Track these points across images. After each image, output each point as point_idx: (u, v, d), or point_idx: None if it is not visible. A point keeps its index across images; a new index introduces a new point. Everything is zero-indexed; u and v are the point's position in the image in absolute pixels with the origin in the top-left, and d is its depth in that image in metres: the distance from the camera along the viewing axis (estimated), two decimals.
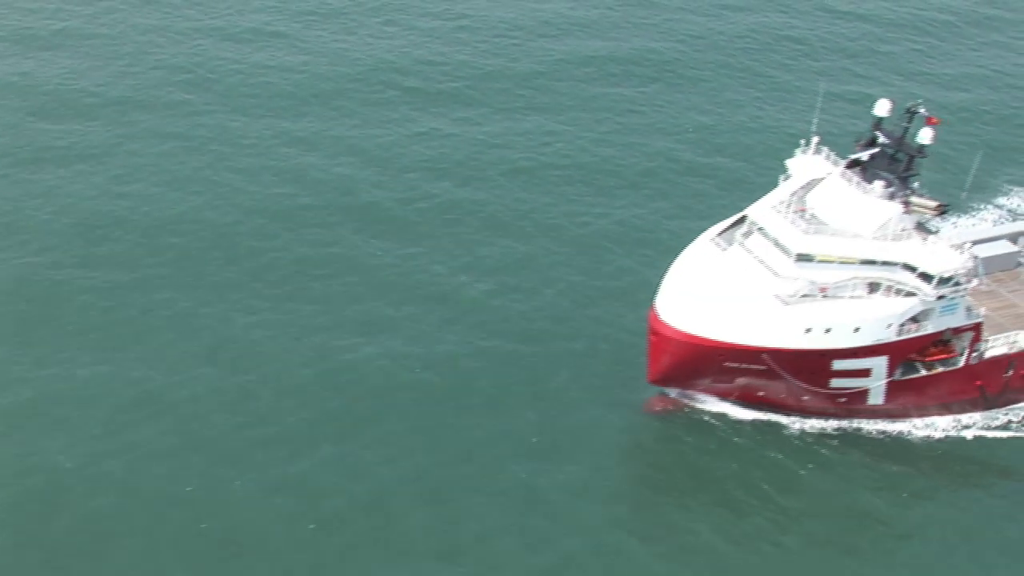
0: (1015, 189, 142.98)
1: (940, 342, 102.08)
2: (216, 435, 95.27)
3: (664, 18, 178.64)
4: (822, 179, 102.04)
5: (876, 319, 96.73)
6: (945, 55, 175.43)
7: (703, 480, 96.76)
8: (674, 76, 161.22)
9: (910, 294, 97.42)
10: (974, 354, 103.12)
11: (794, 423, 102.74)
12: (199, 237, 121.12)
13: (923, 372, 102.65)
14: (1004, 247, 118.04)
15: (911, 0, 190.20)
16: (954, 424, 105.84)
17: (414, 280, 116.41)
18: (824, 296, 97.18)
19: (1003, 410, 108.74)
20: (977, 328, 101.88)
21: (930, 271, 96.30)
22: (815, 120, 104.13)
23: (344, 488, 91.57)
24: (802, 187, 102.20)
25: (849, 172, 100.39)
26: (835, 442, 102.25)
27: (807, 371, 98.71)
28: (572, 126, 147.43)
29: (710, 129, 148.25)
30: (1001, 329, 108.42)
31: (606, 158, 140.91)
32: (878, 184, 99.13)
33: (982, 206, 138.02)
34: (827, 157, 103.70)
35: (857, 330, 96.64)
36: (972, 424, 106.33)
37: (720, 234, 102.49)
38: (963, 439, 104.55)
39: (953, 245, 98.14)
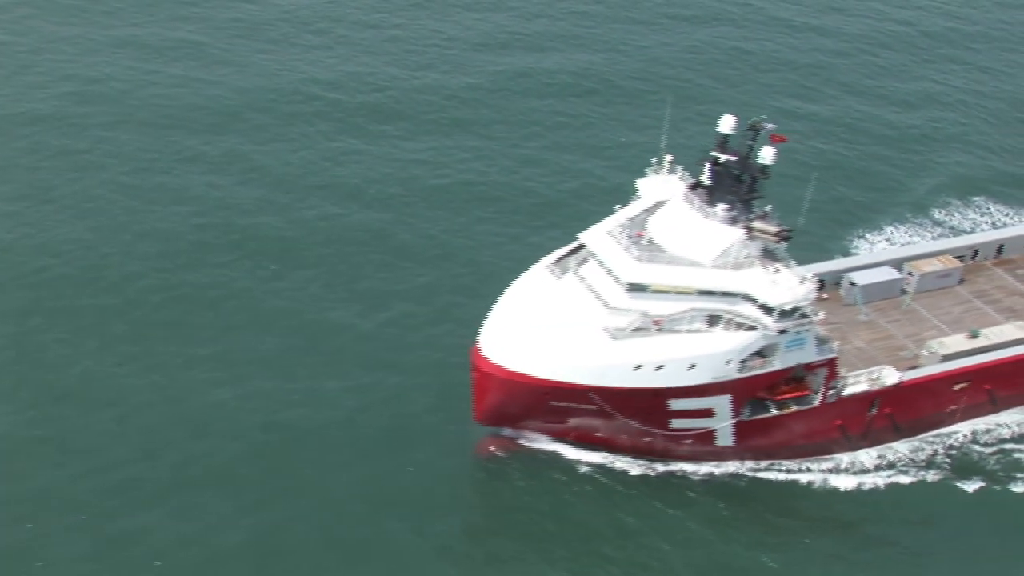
0: (954, 203, 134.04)
1: (792, 379, 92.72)
2: (53, 483, 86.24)
3: (602, 32, 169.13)
4: (667, 202, 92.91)
5: (713, 355, 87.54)
6: (898, 71, 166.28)
7: (533, 532, 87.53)
8: (611, 92, 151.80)
9: (752, 328, 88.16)
10: (831, 392, 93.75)
11: (640, 467, 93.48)
12: (68, 261, 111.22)
13: (775, 412, 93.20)
14: (886, 274, 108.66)
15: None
16: (810, 467, 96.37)
17: (283, 308, 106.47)
18: (659, 330, 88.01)
19: (869, 451, 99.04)
20: (831, 364, 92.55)
21: (770, 303, 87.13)
22: (664, 137, 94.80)
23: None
24: (646, 210, 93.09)
25: (691, 194, 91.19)
26: (688, 489, 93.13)
27: (642, 411, 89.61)
28: (497, 143, 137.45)
29: (641, 147, 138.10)
30: (874, 363, 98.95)
31: (529, 177, 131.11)
32: (720, 208, 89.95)
33: (920, 221, 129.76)
34: (682, 177, 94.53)
35: (692, 367, 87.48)
36: (831, 468, 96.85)
37: (557, 261, 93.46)
38: (818, 484, 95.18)
39: (797, 275, 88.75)
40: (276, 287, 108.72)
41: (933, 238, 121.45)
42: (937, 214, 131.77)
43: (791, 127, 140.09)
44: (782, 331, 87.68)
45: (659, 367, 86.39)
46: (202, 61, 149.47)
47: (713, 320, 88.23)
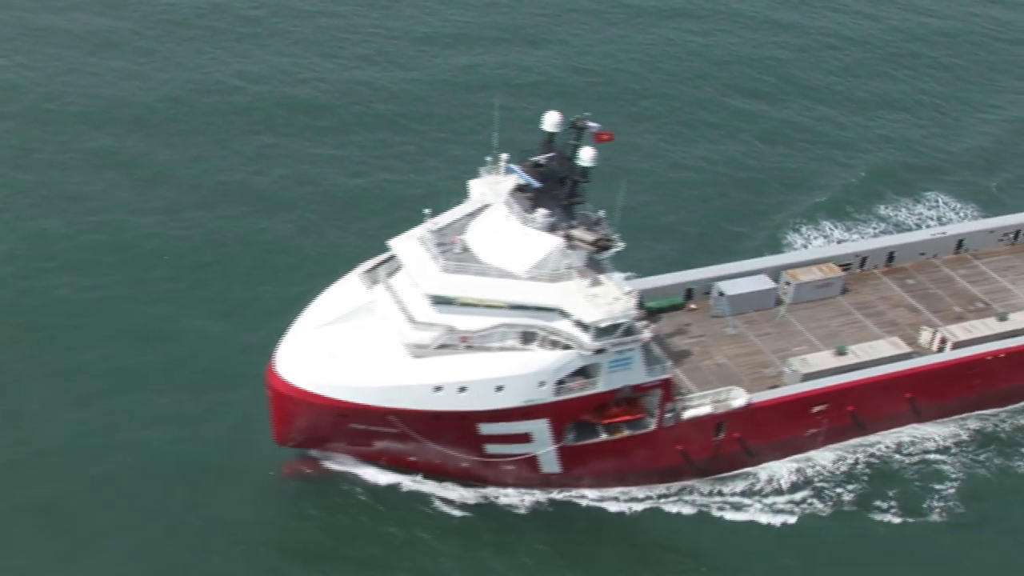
0: (902, 199, 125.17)
1: (624, 401, 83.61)
2: None
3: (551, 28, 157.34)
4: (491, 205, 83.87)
5: (523, 376, 78.49)
6: (845, 66, 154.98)
7: (330, 562, 79.18)
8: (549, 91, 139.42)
9: (569, 346, 79.10)
10: (667, 415, 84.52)
11: (459, 494, 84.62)
12: None
13: (604, 437, 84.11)
14: (759, 283, 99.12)
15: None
16: (637, 495, 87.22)
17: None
18: (467, 347, 79.03)
19: (719, 477, 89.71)
20: (666, 385, 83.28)
21: (584, 319, 77.97)
22: (495, 135, 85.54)
23: None
24: (469, 214, 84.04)
25: (513, 198, 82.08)
26: (509, 520, 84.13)
27: (450, 436, 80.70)
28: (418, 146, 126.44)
29: None
30: (734, 381, 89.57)
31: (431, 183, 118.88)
32: (540, 213, 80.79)
33: (864, 217, 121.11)
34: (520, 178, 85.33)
35: (500, 389, 78.45)
36: (670, 494, 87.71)
37: (370, 270, 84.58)
38: (647, 512, 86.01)
39: (619, 289, 79.54)
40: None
41: (823, 243, 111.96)
42: (883, 209, 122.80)
43: (736, 124, 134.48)
44: (599, 351, 78.38)
45: (462, 389, 77.47)
46: (120, 59, 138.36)
47: (528, 337, 79.21)
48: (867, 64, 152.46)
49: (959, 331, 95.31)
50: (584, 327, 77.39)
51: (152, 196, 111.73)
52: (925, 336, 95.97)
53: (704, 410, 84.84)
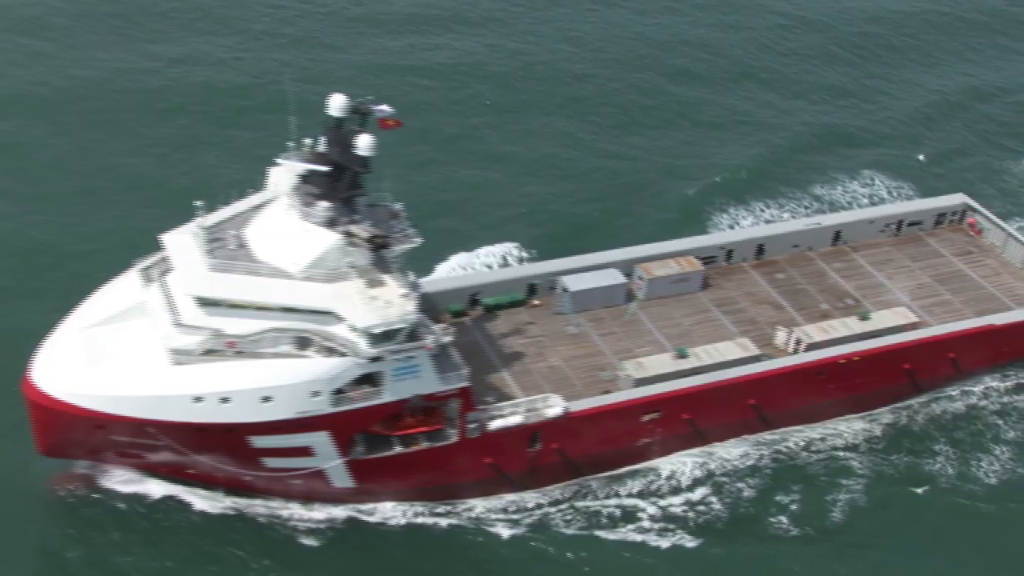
0: (839, 177, 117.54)
1: (421, 411, 75.54)
2: None
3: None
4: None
5: (293, 386, 70.38)
6: (790, 51, 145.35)
7: None
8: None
9: (346, 353, 71.04)
10: (471, 426, 76.34)
11: (249, 507, 76.73)
12: None
13: (399, 449, 76.07)
14: (607, 278, 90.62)
15: None
16: (459, 510, 79.26)
17: None
18: (235, 353, 70.97)
19: (536, 492, 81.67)
20: (464, 394, 75.04)
21: (358, 324, 69.84)
22: (292, 119, 76.96)
23: None
24: (256, 206, 75.86)
25: (297, 189, 73.84)
26: (294, 533, 76.81)
27: (219, 449, 72.83)
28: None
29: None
30: (567, 385, 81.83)
31: None
32: (321, 207, 72.54)
33: (796, 196, 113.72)
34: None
35: (268, 400, 70.40)
36: (488, 509, 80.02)
37: (146, 267, 76.57)
38: (460, 528, 78.14)
39: (399, 291, 71.29)
40: None
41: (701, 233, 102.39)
42: (818, 189, 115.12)
43: (671, 108, 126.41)
44: (376, 358, 70.23)
45: (225, 400, 69.42)
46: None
47: (303, 343, 71.03)
48: (802, 46, 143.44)
49: (815, 332, 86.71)
50: (360, 332, 69.02)
51: None
52: (781, 337, 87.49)
53: (514, 420, 76.61)
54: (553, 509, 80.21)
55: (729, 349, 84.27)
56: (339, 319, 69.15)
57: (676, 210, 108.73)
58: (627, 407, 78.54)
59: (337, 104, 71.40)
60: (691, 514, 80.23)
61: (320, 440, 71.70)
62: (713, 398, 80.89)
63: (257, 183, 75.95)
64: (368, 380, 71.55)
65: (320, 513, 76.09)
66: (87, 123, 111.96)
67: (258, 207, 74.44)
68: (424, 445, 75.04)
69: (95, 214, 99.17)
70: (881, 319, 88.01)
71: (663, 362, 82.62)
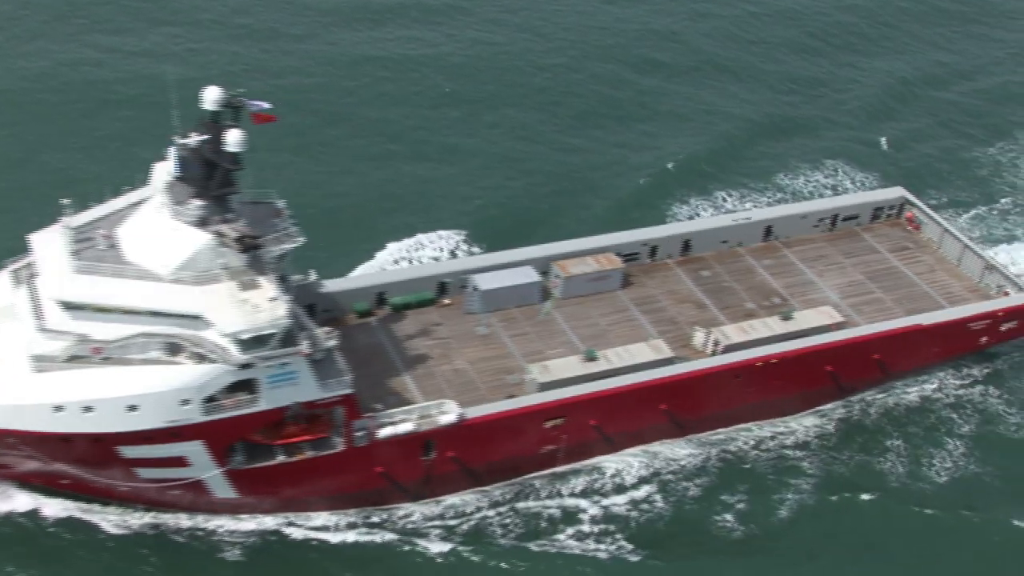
0: (801, 166, 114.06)
1: (305, 419, 71.73)
2: None
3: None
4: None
5: (160, 394, 66.55)
6: (753, 37, 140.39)
7: None
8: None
9: (217, 359, 67.24)
10: (358, 434, 72.52)
11: (119, 520, 73.08)
12: None
13: (282, 459, 72.30)
14: (521, 276, 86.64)
15: None
16: (326, 524, 75.56)
17: None
18: (102, 359, 67.22)
19: (475, 494, 79.37)
20: (348, 402, 71.22)
21: (226, 328, 66.00)
22: (175, 111, 72.75)
23: None
24: (132, 205, 72.08)
25: (170, 186, 69.97)
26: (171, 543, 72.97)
27: (88, 460, 69.16)
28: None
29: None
30: (471, 389, 78.66)
31: None
32: (193, 205, 68.67)
33: (759, 186, 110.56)
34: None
35: (134, 408, 66.61)
36: (368, 522, 76.05)
37: (17, 268, 72.82)
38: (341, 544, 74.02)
39: (270, 294, 67.39)
40: None
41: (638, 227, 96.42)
42: (782, 178, 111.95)
43: (637, 101, 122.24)
44: (246, 364, 66.41)
45: (88, 409, 65.65)
46: None
47: (175, 348, 67.19)
48: (766, 35, 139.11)
49: (733, 332, 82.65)
50: (229, 338, 65.21)
51: None
52: (699, 338, 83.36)
53: (405, 428, 72.74)
54: (492, 513, 77.33)
55: (641, 351, 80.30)
56: (208, 324, 65.09)
57: (633, 202, 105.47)
58: (527, 413, 74.63)
59: (211, 97, 67.40)
60: (634, 513, 77.62)
61: (194, 450, 67.98)
62: (621, 403, 76.98)
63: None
64: (243, 387, 67.59)
65: (246, 524, 72.14)
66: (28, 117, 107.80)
67: (135, 205, 70.21)
68: (309, 454, 71.00)
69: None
70: (804, 319, 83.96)
71: (570, 365, 78.69)
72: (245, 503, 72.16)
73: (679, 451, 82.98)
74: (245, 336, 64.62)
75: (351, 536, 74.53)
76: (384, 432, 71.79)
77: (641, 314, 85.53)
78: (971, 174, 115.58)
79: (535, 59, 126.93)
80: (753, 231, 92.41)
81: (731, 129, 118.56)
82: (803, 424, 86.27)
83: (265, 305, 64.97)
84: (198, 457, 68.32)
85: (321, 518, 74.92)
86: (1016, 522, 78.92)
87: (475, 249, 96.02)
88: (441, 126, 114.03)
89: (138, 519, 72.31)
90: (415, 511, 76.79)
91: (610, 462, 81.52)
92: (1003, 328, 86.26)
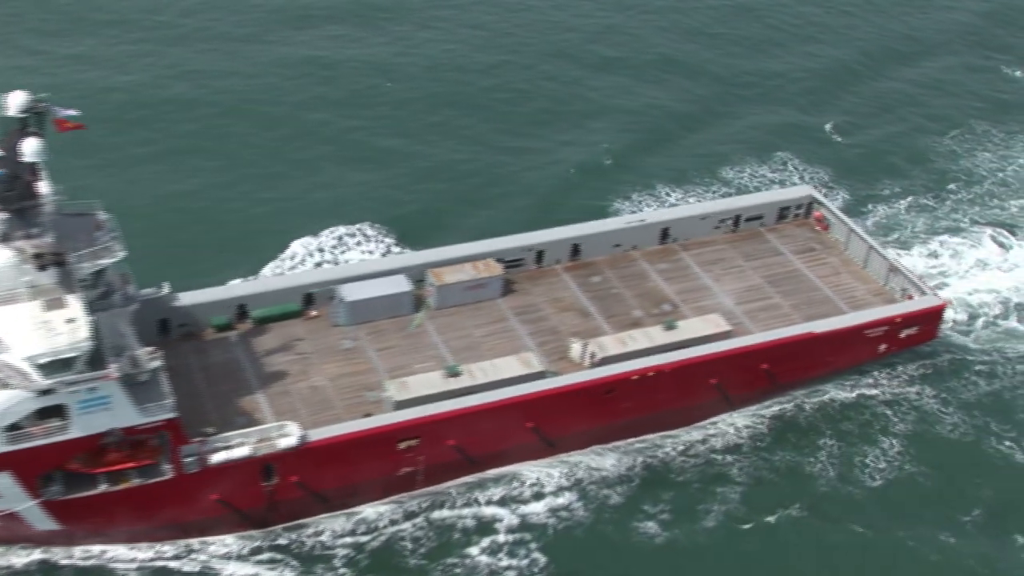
0: (747, 159, 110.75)
1: (130, 445, 66.92)
2: None
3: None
4: None
5: None
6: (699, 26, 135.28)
7: None
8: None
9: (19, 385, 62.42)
10: (187, 460, 67.67)
11: None
12: None
13: (104, 487, 67.53)
14: (390, 285, 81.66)
15: None
16: (228, 551, 70.90)
17: None
18: None
19: (390, 505, 75.32)
20: (172, 426, 66.36)
21: (23, 352, 61.25)
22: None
23: None
24: None
25: None
26: None
27: None
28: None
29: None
30: (326, 407, 73.96)
31: None
32: None
33: (705, 181, 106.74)
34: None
35: None
36: (274, 545, 72.38)
37: None
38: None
39: (72, 314, 62.51)
40: None
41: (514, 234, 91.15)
42: (727, 172, 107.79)
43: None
44: (48, 390, 61.60)
45: None
46: None
47: None
48: (713, 29, 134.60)
49: (611, 344, 77.47)
50: (28, 362, 60.43)
51: None
52: (575, 350, 78.18)
53: (241, 452, 67.76)
54: (406, 525, 73.97)
55: (509, 365, 75.25)
56: (6, 347, 60.27)
57: (568, 199, 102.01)
58: (376, 434, 69.50)
59: (15, 103, 62.47)
60: (552, 521, 74.36)
61: (3, 482, 62.97)
62: (483, 422, 71.77)
63: None
64: (54, 413, 62.67)
65: (143, 553, 70.36)
66: None
67: None
68: (136, 482, 66.15)
69: None
70: (689, 328, 78.78)
71: (431, 381, 73.67)
72: (74, 535, 67.29)
73: (604, 459, 78.87)
74: (44, 360, 59.84)
75: (248, 567, 70.08)
76: (217, 457, 66.64)
77: (520, 324, 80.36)
78: (924, 164, 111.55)
79: (473, 59, 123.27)
80: (649, 233, 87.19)
81: (675, 123, 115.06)
82: (736, 424, 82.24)
83: (63, 327, 59.90)
84: (7, 488, 63.67)
85: (222, 543, 71.27)
86: (948, 538, 75.11)
87: (368, 252, 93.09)
88: (376, 127, 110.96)
89: (24, 556, 67.39)
90: (326, 527, 73.27)
91: (531, 470, 77.27)
92: (903, 335, 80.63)
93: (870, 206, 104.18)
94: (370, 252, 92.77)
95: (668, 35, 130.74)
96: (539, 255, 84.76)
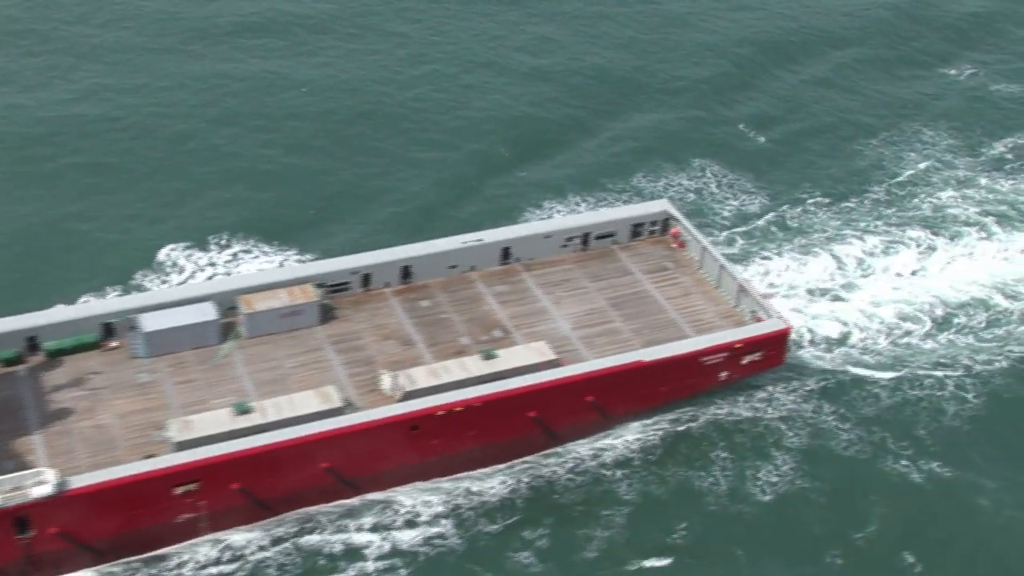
0: (667, 166, 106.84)
1: None
2: None
3: None
4: None
5: None
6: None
7: None
8: None
9: None
10: None
11: None
12: None
13: None
14: (194, 314, 75.88)
15: None
16: None
17: None
18: None
19: (260, 532, 70.80)
20: None
21: None
22: None
23: None
24: None
25: None
26: None
27: None
28: None
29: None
30: (106, 449, 68.72)
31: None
32: None
33: (620, 187, 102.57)
34: None
35: None
36: (197, 565, 68.84)
37: None
38: None
39: None
40: None
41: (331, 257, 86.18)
42: (638, 180, 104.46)
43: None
44: None
45: None
46: None
47: None
48: (633, 31, 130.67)
49: (421, 376, 71.66)
50: None
51: None
52: (386, 382, 72.31)
53: None
54: (274, 551, 70.60)
55: (306, 401, 69.36)
56: None
57: (486, 206, 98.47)
58: (148, 479, 63.53)
59: None
60: (425, 549, 70.54)
61: None
62: (272, 463, 65.86)
63: None
64: None
65: None
66: None
67: None
68: None
69: None
70: (510, 358, 72.74)
71: (217, 420, 67.94)
72: None
73: (486, 482, 74.91)
74: None
75: None
76: None
77: (335, 354, 74.56)
78: (849, 167, 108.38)
79: (362, 77, 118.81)
80: (488, 254, 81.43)
81: (580, 132, 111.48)
82: (628, 436, 78.62)
83: None
84: None
85: None
86: (836, 557, 71.97)
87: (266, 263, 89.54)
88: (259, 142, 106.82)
89: None
90: (189, 558, 69.23)
91: (408, 495, 73.59)
92: (745, 361, 74.61)
93: (786, 208, 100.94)
94: (268, 263, 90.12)
95: (586, 45, 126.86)
96: (366, 278, 79.05)
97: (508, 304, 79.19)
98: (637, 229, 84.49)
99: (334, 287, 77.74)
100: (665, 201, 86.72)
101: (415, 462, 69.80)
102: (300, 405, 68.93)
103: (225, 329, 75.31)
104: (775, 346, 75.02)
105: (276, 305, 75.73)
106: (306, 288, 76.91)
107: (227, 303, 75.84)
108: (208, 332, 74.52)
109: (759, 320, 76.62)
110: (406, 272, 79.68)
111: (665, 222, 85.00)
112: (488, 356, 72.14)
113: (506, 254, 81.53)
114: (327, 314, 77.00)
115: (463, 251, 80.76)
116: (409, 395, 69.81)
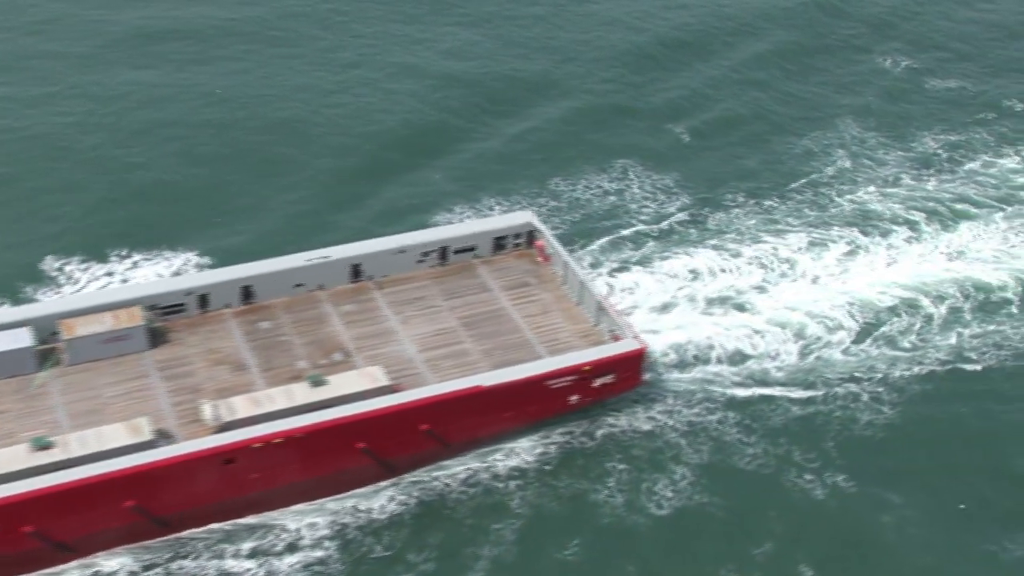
0: (586, 168, 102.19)
1: None
2: None
3: None
4: None
5: None
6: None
7: None
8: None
9: None
10: None
11: None
12: None
13: None
14: (9, 340, 71.38)
15: None
16: None
17: None
18: None
19: (130, 557, 66.42)
20: None
21: None
22: None
23: None
24: None
25: None
26: None
27: None
28: None
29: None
30: None
31: None
32: None
33: (535, 191, 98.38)
34: None
35: None
36: None
37: None
38: None
39: None
40: None
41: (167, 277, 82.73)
42: (556, 184, 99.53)
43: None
44: None
45: None
46: None
47: None
48: (554, 19, 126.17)
49: (241, 405, 67.21)
50: None
51: None
52: (207, 412, 67.79)
53: None
54: None
55: (114, 434, 64.93)
56: None
57: (385, 212, 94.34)
58: None
59: None
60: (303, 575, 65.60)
61: None
62: (69, 503, 61.24)
63: None
64: None
65: None
66: None
67: None
68: None
69: None
70: (340, 385, 68.10)
71: (12, 457, 63.30)
72: None
73: (374, 500, 71.57)
74: None
75: None
76: None
77: (161, 381, 70.04)
78: (778, 166, 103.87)
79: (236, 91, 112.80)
80: (336, 271, 76.86)
81: (503, 126, 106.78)
82: (521, 446, 75.61)
83: None
84: None
85: None
86: (732, 572, 68.50)
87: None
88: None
89: None
90: None
91: (293, 516, 70.19)
92: (597, 384, 70.03)
93: (707, 210, 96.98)
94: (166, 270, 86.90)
95: (499, 45, 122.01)
96: (203, 299, 74.22)
97: (353, 325, 74.59)
98: (500, 242, 79.85)
99: (168, 309, 72.92)
100: (529, 212, 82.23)
101: (235, 497, 64.93)
102: (107, 439, 64.51)
103: (43, 356, 70.16)
104: (629, 367, 70.51)
105: (99, 330, 71.13)
106: (133, 311, 72.35)
107: (48, 328, 70.79)
108: (20, 360, 70.00)
109: (616, 339, 71.79)
110: (247, 292, 74.83)
111: (530, 234, 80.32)
112: (316, 383, 67.53)
113: (356, 271, 76.73)
114: (158, 338, 72.22)
115: (309, 269, 76.24)
116: (227, 426, 64.96)
